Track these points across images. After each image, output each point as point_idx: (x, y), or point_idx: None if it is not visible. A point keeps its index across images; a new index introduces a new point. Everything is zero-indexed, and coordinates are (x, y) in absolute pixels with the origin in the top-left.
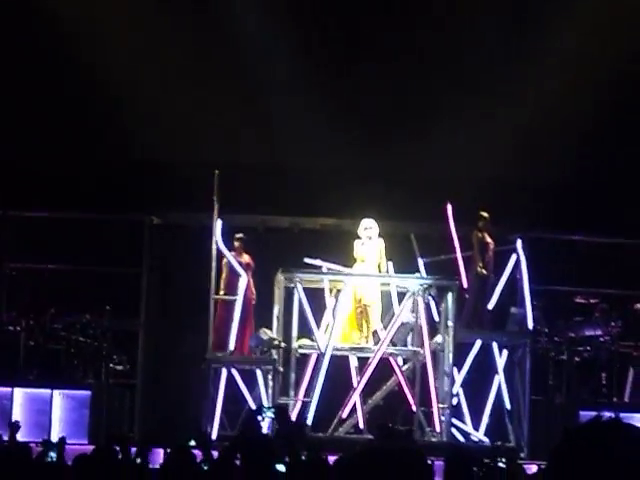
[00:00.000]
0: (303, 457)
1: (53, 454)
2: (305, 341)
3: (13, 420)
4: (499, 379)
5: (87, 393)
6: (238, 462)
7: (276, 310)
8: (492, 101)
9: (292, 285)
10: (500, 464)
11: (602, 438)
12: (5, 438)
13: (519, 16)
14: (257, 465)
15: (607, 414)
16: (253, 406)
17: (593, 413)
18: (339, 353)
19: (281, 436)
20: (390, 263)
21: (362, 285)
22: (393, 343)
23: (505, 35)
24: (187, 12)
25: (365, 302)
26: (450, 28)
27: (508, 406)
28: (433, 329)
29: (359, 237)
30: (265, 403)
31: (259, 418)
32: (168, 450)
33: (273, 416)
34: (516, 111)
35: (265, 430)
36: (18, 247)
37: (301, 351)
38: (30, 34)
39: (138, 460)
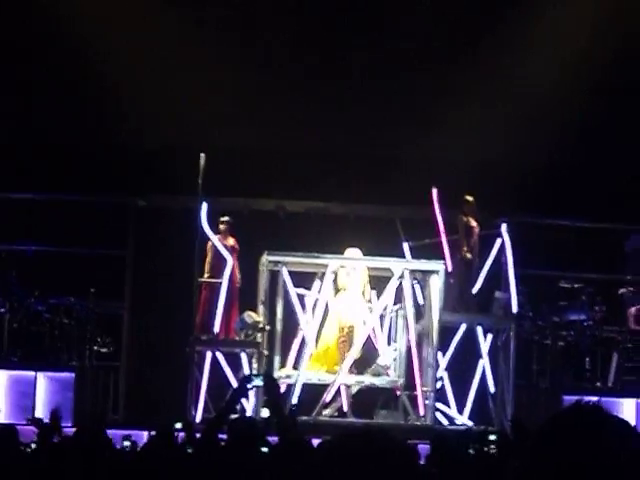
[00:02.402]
0: (290, 435)
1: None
2: (285, 371)
3: None
4: (483, 363)
5: (71, 375)
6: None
7: (261, 293)
8: (478, 85)
9: (277, 268)
10: (492, 447)
11: (585, 424)
12: None
13: (510, 3)
14: (242, 445)
15: (588, 400)
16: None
17: (576, 398)
18: (316, 382)
19: (271, 407)
20: (374, 292)
21: (347, 312)
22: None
23: (493, 21)
24: None
25: (349, 326)
26: (438, 13)
27: (492, 390)
28: (418, 313)
29: (343, 266)
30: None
31: (248, 386)
32: (152, 433)
33: (262, 384)
34: (502, 95)
35: (250, 402)
36: (1, 229)
37: (282, 381)
38: (25, 21)
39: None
